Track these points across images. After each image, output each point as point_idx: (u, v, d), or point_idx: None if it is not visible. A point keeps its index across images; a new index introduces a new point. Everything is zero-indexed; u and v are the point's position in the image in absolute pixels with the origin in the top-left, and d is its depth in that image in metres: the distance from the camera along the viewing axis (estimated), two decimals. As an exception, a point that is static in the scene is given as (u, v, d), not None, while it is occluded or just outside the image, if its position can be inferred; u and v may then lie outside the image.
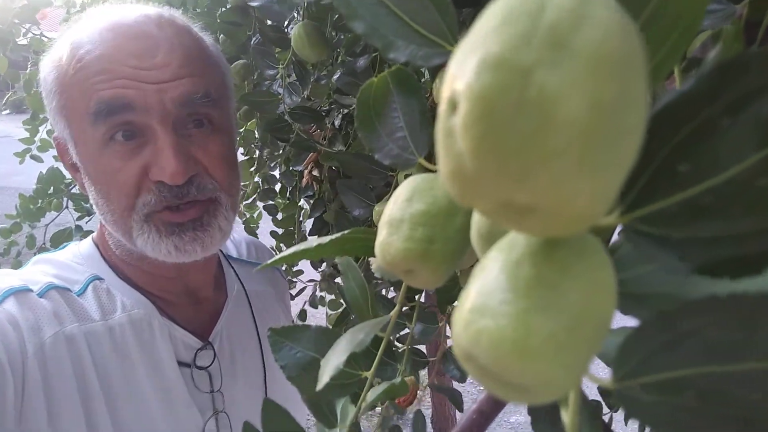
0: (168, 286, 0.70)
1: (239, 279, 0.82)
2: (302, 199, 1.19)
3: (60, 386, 0.58)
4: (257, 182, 1.31)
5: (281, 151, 1.21)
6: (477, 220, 0.20)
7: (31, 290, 0.61)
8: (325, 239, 0.28)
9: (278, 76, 0.70)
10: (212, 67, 0.65)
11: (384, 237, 0.25)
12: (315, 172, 1.21)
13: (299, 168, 1.11)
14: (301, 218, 1.18)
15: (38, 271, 0.65)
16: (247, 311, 0.80)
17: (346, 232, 0.28)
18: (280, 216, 1.22)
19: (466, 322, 0.14)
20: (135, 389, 0.63)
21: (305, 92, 0.67)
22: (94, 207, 0.65)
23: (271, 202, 1.26)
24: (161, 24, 0.62)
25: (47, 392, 0.57)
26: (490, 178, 0.13)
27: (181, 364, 0.67)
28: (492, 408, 0.30)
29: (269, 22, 0.78)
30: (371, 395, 0.31)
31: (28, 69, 1.66)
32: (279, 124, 0.70)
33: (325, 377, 0.26)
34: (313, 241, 0.28)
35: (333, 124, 0.85)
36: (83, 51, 0.59)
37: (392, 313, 0.30)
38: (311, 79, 0.68)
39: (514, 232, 0.15)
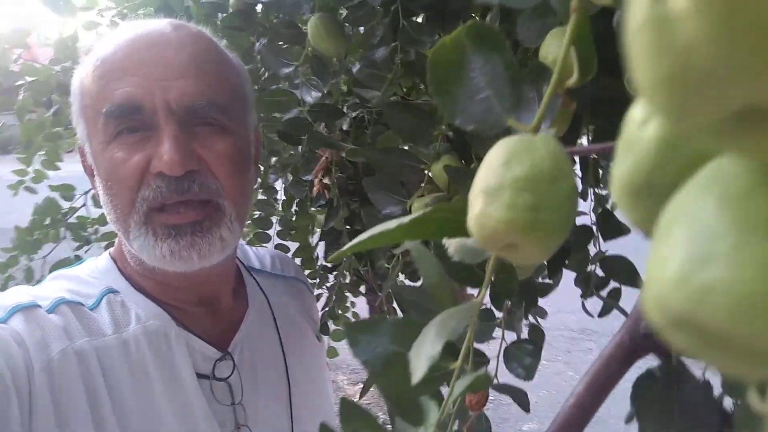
0: (181, 296, 0.68)
1: (262, 290, 0.80)
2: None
3: (69, 402, 0.57)
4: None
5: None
6: (626, 171, 0.17)
7: (39, 306, 0.60)
8: (405, 219, 0.25)
9: (295, 73, 0.67)
10: (224, 74, 0.65)
11: (480, 208, 0.22)
12: (326, 180, 1.18)
13: (309, 177, 1.08)
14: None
15: (52, 287, 0.65)
16: (270, 323, 0.79)
17: (429, 209, 0.25)
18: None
19: (681, 277, 0.11)
20: (150, 404, 0.62)
21: (326, 88, 0.64)
22: (104, 209, 0.65)
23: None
24: (177, 27, 0.65)
25: (56, 408, 0.56)
26: (740, 71, 0.10)
27: (199, 376, 0.66)
28: (592, 402, 0.27)
29: (274, 20, 0.76)
30: (458, 388, 0.28)
31: (20, 96, 1.63)
32: (299, 124, 0.67)
33: (421, 369, 0.23)
34: (392, 222, 0.26)
35: (351, 120, 0.82)
36: (103, 53, 0.62)
37: (479, 297, 0.27)
38: (331, 74, 0.66)
39: (724, 159, 0.12)
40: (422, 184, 0.65)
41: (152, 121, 0.60)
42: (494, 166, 0.22)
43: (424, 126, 0.62)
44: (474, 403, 0.45)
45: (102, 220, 1.54)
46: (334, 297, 0.91)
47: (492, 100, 0.24)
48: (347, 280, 1.06)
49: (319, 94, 0.63)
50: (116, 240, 0.72)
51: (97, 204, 1.44)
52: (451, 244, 0.32)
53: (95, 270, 0.69)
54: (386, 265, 0.67)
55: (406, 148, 0.67)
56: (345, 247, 0.27)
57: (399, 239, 0.25)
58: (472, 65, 0.25)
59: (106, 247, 1.64)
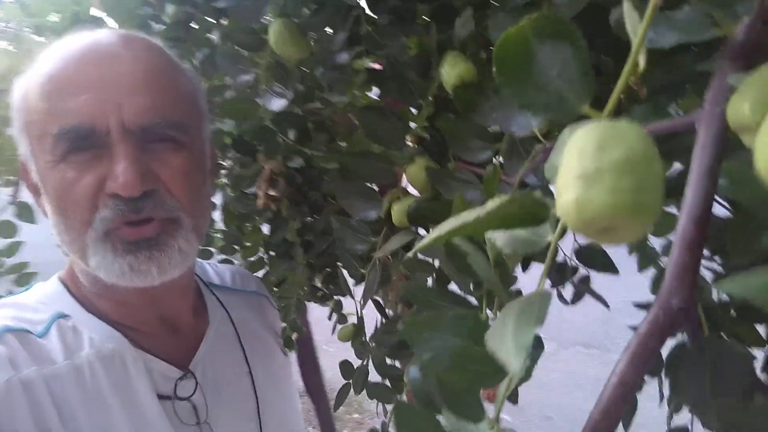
0: (140, 316, 0.67)
1: (223, 306, 0.79)
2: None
3: None
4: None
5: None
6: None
7: None
8: (483, 212, 0.25)
9: (256, 80, 0.65)
10: (179, 89, 0.63)
11: (579, 193, 0.22)
12: (272, 192, 1.15)
13: (252, 190, 1.05)
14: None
15: None
16: (233, 339, 0.77)
17: (506, 198, 0.25)
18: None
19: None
20: (108, 430, 0.60)
21: (291, 94, 0.62)
22: (53, 228, 0.62)
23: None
24: (130, 41, 0.62)
25: None
26: None
27: (161, 397, 0.65)
28: (633, 376, 0.28)
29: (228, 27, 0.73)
30: (514, 381, 0.28)
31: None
32: (263, 133, 0.64)
33: (518, 359, 0.23)
34: (470, 213, 0.25)
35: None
36: (50, 68, 0.59)
37: (541, 285, 0.27)
38: (294, 80, 0.64)
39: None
40: (396, 187, 0.65)
41: (105, 140, 0.57)
42: (587, 152, 0.22)
43: (397, 129, 0.62)
44: (492, 396, 0.45)
45: (9, 252, 1.43)
46: (293, 309, 0.88)
47: (564, 89, 0.24)
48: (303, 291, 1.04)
49: (286, 102, 0.61)
50: (67, 263, 0.69)
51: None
52: (499, 237, 0.32)
53: (43, 295, 0.66)
54: (362, 271, 0.66)
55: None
56: (429, 237, 0.26)
57: (479, 230, 0.25)
58: (540, 56, 0.25)
59: (17, 281, 1.49)
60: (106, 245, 0.59)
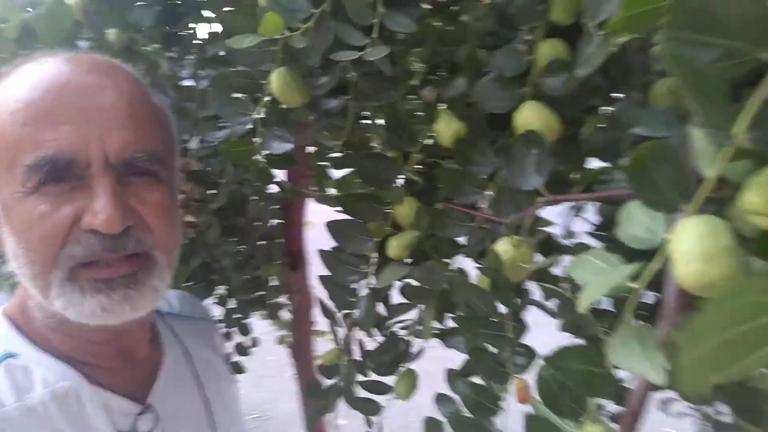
0: (98, 350, 0.65)
1: (175, 335, 0.78)
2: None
3: None
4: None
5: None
6: None
7: None
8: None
9: (255, 123, 0.68)
10: (158, 121, 0.63)
11: (704, 267, 0.34)
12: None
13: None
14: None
15: None
16: (188, 369, 0.77)
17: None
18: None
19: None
20: None
21: (293, 138, 0.66)
22: (12, 262, 0.59)
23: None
24: (108, 70, 0.61)
25: None
26: None
27: None
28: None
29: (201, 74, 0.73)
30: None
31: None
32: (264, 176, 0.68)
33: (658, 372, 0.34)
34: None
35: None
36: (23, 91, 0.57)
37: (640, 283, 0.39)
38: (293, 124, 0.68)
39: None
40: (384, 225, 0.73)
41: (83, 173, 0.56)
42: (705, 237, 0.35)
43: (389, 172, 0.71)
44: (523, 397, 0.56)
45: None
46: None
47: (671, 192, 0.37)
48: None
49: (291, 146, 0.65)
50: (15, 297, 0.66)
51: None
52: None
53: None
54: (350, 299, 0.73)
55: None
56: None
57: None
58: (653, 170, 0.37)
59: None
60: (73, 285, 0.57)
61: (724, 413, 0.67)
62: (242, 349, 0.92)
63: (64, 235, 0.55)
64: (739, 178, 0.37)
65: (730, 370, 0.26)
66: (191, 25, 0.92)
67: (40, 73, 0.58)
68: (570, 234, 0.83)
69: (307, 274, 1.34)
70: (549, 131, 0.60)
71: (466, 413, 0.57)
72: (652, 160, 0.37)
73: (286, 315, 1.33)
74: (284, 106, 0.68)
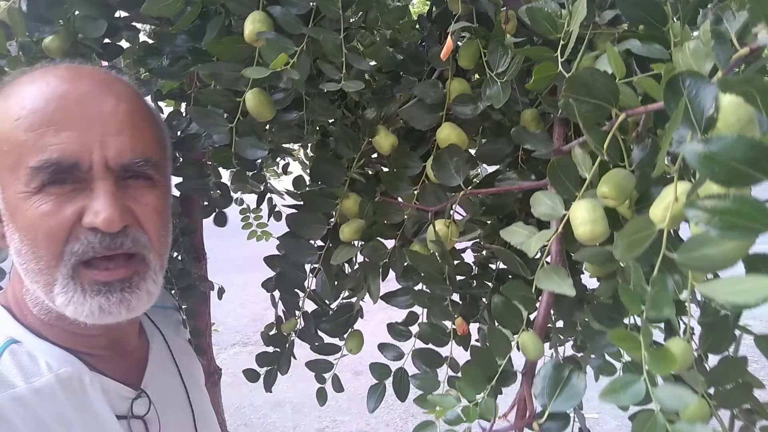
0: (93, 342, 0.69)
1: (154, 324, 0.85)
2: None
3: None
4: None
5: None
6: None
7: None
8: None
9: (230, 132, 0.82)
10: (153, 129, 0.69)
11: (593, 227, 0.61)
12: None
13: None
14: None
15: None
16: (168, 355, 0.84)
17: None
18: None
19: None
20: None
21: (265, 146, 0.81)
22: (15, 258, 0.63)
23: None
24: (107, 80, 0.66)
25: None
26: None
27: (118, 417, 0.68)
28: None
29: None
30: None
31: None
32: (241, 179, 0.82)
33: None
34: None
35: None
36: (27, 99, 0.60)
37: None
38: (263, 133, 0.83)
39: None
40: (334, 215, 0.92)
41: (85, 175, 0.60)
42: (587, 211, 0.61)
43: (338, 173, 0.90)
44: (465, 330, 0.80)
45: None
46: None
47: (570, 185, 0.63)
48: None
49: (265, 153, 0.81)
50: (8, 286, 0.69)
51: None
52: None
53: None
54: (305, 276, 0.90)
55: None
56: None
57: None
58: (561, 172, 0.63)
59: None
60: (75, 284, 0.61)
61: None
62: (198, 332, 1.01)
63: (67, 232, 0.60)
64: (599, 177, 0.65)
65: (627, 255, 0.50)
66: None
67: (42, 82, 0.62)
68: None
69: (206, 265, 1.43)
70: (462, 144, 0.85)
71: (426, 345, 0.79)
72: (560, 166, 0.63)
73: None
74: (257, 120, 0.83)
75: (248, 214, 1.74)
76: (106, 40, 0.92)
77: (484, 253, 1.09)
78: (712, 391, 0.63)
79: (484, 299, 1.00)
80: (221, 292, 1.35)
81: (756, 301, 0.34)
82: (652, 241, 0.48)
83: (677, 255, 0.45)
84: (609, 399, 0.49)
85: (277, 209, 1.48)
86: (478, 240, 1.11)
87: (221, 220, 1.15)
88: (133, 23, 0.95)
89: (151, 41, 0.99)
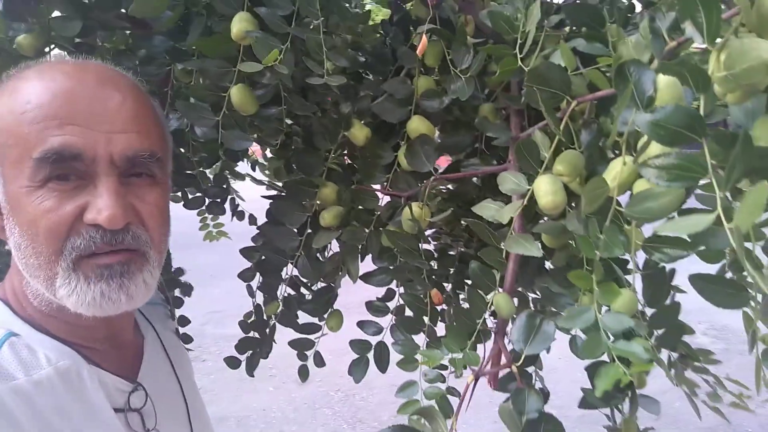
0: (91, 334, 0.70)
1: (147, 318, 0.86)
2: None
3: None
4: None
5: None
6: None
7: None
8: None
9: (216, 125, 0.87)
10: (158, 126, 0.70)
11: (553, 198, 0.71)
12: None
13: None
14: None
15: None
16: (161, 350, 0.85)
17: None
18: None
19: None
20: None
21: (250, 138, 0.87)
22: (14, 251, 0.64)
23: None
24: (113, 78, 0.67)
25: None
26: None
27: (115, 410, 0.69)
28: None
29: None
30: None
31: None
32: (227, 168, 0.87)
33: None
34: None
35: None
36: (32, 94, 0.61)
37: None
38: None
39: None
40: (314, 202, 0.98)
41: (89, 170, 0.61)
42: (548, 184, 0.72)
43: (317, 163, 0.97)
44: (440, 300, 0.89)
45: None
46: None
47: (533, 163, 0.73)
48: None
49: (251, 144, 0.87)
50: (5, 281, 0.70)
51: None
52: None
53: None
54: (289, 262, 0.96)
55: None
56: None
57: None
58: (526, 152, 0.73)
59: None
60: (77, 274, 0.61)
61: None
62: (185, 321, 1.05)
63: (68, 228, 0.60)
64: (554, 157, 0.76)
65: (588, 208, 0.59)
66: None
67: (49, 78, 0.62)
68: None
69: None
70: (431, 134, 0.94)
71: (409, 314, 0.87)
72: (525, 147, 0.73)
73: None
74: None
75: (206, 215, 1.76)
76: (78, 40, 0.95)
77: (442, 240, 1.19)
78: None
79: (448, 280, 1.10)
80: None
81: (697, 228, 0.44)
82: (605, 198, 0.59)
83: (626, 209, 0.55)
84: (566, 324, 0.59)
85: (239, 209, 1.52)
86: (437, 229, 1.21)
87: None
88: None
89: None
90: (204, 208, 1.25)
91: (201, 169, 1.01)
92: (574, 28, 0.87)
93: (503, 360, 0.70)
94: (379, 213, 0.96)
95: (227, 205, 1.48)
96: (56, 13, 0.92)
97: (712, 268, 0.70)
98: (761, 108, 0.53)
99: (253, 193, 1.54)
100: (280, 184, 1.10)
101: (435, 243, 1.21)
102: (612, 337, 0.56)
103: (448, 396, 0.72)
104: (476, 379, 0.63)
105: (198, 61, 0.83)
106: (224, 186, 1.25)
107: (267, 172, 1.39)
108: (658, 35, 0.57)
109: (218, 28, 0.87)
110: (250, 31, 0.79)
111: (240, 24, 0.80)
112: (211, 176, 1.20)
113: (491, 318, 0.77)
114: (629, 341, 0.53)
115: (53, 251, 0.60)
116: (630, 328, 0.57)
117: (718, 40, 0.47)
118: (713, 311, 0.74)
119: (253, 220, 1.50)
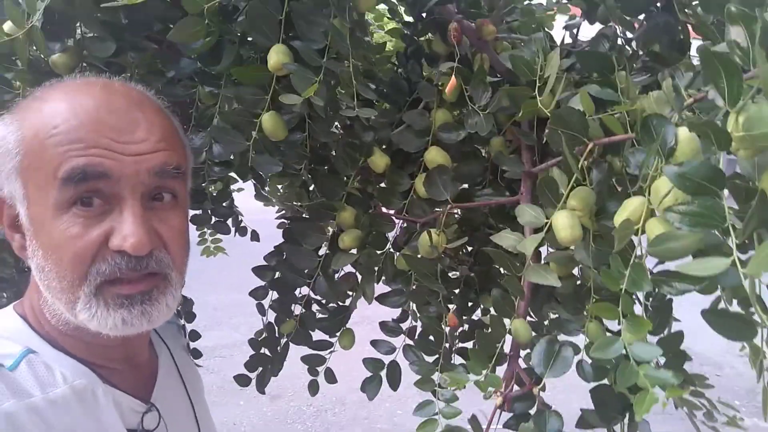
0: (108, 353, 0.70)
1: (161, 337, 0.87)
2: None
3: None
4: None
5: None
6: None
7: None
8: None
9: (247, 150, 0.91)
10: (182, 144, 0.71)
11: (572, 231, 0.77)
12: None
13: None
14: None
15: None
16: (174, 370, 0.86)
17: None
18: None
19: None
20: None
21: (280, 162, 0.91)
22: (35, 273, 0.64)
23: None
24: (140, 100, 0.67)
25: None
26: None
27: (129, 430, 0.69)
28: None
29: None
30: None
31: None
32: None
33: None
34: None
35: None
36: (59, 118, 0.61)
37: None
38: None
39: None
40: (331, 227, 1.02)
41: (114, 191, 0.61)
42: (566, 219, 0.77)
43: (337, 186, 1.01)
44: (455, 322, 0.93)
45: None
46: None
47: (552, 199, 0.79)
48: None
49: (279, 168, 0.91)
50: (24, 298, 0.70)
51: None
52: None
53: (4, 329, 0.67)
54: (307, 281, 1.00)
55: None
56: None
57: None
58: (547, 188, 0.79)
59: None
60: (98, 300, 0.61)
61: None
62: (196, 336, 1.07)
63: (93, 254, 0.60)
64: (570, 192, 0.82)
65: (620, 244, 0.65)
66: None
67: (75, 101, 0.62)
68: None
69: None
70: (447, 164, 1.00)
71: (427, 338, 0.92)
72: (545, 184, 0.79)
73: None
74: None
75: (204, 230, 1.77)
76: (109, 59, 0.97)
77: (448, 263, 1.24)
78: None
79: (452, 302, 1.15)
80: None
81: (717, 271, 0.50)
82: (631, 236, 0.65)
83: (648, 248, 0.62)
84: (597, 355, 0.64)
85: (242, 224, 1.54)
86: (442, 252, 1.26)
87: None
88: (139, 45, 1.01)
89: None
90: (211, 224, 1.27)
91: (209, 186, 1.04)
92: (586, 74, 0.94)
93: (524, 383, 0.75)
94: (394, 237, 1.00)
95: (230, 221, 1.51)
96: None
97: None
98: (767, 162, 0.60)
99: (249, 205, 1.57)
100: (292, 204, 1.14)
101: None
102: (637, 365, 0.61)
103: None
104: (505, 401, 0.67)
105: (234, 89, 0.87)
106: (231, 207, 1.28)
107: (267, 189, 1.42)
108: (678, 92, 0.64)
109: (247, 55, 0.91)
110: (288, 64, 0.83)
111: (277, 56, 0.84)
112: (215, 193, 1.23)
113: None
114: (657, 369, 0.59)
115: (78, 276, 0.61)
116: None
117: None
118: (688, 338, 0.80)
119: (255, 236, 1.53)
